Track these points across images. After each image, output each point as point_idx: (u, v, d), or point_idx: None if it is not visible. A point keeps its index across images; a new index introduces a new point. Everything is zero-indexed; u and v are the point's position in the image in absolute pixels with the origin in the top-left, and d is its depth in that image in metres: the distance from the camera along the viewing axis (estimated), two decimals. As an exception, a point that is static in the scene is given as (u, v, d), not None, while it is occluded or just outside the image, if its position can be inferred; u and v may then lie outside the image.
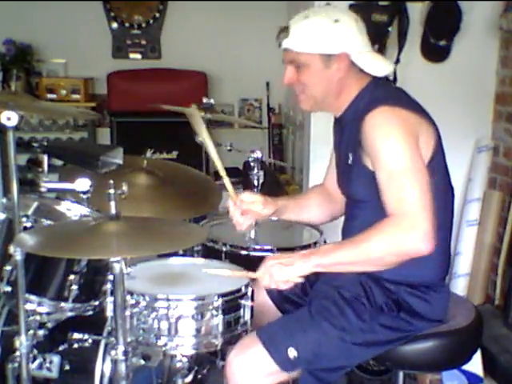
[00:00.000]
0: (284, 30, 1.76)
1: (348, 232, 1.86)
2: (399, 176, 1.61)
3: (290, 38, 1.74)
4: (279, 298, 1.96)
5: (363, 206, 1.78)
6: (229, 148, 2.71)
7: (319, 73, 1.75)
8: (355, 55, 1.74)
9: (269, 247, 2.12)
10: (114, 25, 4.93)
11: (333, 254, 1.66)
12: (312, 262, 1.67)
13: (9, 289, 1.85)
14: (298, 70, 1.77)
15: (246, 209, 1.94)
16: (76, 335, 1.83)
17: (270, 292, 1.98)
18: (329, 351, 1.70)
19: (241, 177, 4.15)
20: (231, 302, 1.74)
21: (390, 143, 1.63)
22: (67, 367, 1.89)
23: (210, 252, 2.15)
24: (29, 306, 1.81)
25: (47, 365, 1.86)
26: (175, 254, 2.03)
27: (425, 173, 1.62)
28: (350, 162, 1.79)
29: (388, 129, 1.64)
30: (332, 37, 1.71)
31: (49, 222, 1.89)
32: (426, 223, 1.56)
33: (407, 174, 1.61)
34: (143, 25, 4.95)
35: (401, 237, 1.57)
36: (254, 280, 1.82)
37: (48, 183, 1.80)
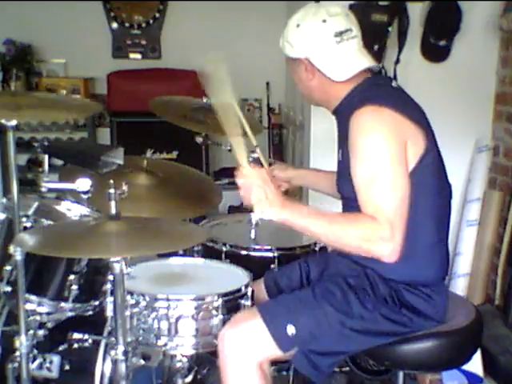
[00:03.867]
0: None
1: None
2: (379, 180, 1.61)
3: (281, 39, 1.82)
4: (276, 291, 1.97)
5: (352, 204, 1.78)
6: (229, 148, 2.71)
7: (295, 73, 1.83)
8: (315, 59, 1.75)
9: (269, 247, 2.12)
10: (114, 25, 4.92)
11: (307, 219, 1.67)
12: (285, 214, 1.67)
13: (9, 289, 1.85)
14: None
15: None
16: (76, 335, 1.83)
17: (269, 291, 1.98)
18: (327, 334, 1.70)
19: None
20: (231, 302, 1.74)
21: (372, 143, 1.63)
22: (67, 367, 1.89)
23: (209, 252, 2.15)
24: (29, 306, 1.81)
25: (47, 365, 1.86)
26: (175, 254, 2.03)
27: (405, 176, 1.63)
28: (339, 157, 1.81)
29: (371, 128, 1.64)
30: (293, 41, 1.77)
31: (49, 222, 1.89)
32: (399, 236, 1.59)
33: (387, 178, 1.61)
34: (143, 25, 4.94)
35: (374, 243, 1.59)
36: (254, 280, 1.83)
37: (48, 183, 1.80)
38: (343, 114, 1.77)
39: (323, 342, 1.70)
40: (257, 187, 1.67)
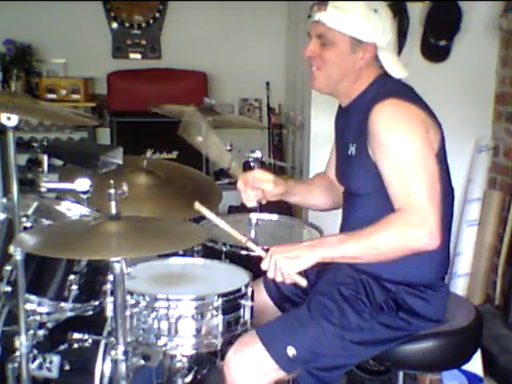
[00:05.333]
0: (321, 3, 1.72)
1: (346, 227, 1.85)
2: (407, 170, 1.61)
3: (326, 12, 1.71)
4: (279, 297, 1.96)
5: (363, 199, 1.77)
6: (229, 148, 2.71)
7: (343, 55, 1.74)
8: (381, 50, 1.74)
9: (269, 247, 2.12)
10: (114, 25, 4.92)
11: (339, 246, 1.64)
12: (317, 253, 1.64)
13: (9, 289, 1.85)
14: (323, 45, 1.75)
15: (257, 186, 1.91)
16: (76, 335, 1.83)
17: (269, 291, 1.98)
18: (328, 350, 1.69)
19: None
20: (231, 302, 1.73)
21: (398, 135, 1.63)
22: (67, 367, 1.89)
23: (209, 252, 2.15)
24: (29, 306, 1.80)
25: (47, 365, 1.86)
26: (175, 254, 2.03)
27: (434, 163, 1.63)
28: (350, 152, 1.78)
29: (395, 120, 1.64)
30: (368, 24, 1.70)
31: (49, 222, 1.89)
32: (434, 219, 1.57)
33: (415, 168, 1.61)
34: (143, 25, 4.95)
35: (410, 233, 1.58)
36: (254, 280, 1.83)
37: (48, 183, 1.80)
38: (357, 109, 1.76)
39: (325, 358, 1.70)
40: (280, 261, 1.65)
